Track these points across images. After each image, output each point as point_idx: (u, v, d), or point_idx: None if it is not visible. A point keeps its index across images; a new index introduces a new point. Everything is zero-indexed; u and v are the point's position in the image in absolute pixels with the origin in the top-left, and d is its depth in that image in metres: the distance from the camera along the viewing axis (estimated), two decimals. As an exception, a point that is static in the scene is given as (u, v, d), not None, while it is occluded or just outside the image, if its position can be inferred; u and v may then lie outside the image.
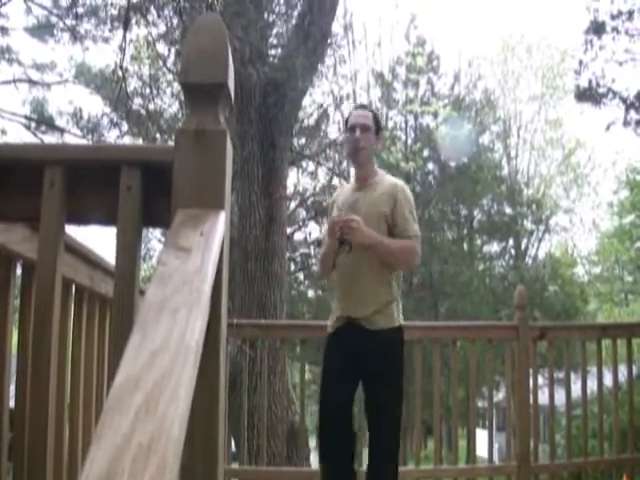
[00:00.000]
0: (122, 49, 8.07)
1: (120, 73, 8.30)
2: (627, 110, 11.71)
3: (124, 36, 8.03)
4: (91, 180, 1.35)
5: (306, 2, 7.41)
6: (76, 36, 10.69)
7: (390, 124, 21.72)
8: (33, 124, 13.83)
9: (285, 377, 4.66)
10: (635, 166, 25.66)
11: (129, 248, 1.30)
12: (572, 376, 4.44)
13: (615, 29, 11.64)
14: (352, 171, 3.47)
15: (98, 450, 0.69)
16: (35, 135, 13.34)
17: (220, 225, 1.20)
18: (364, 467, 3.10)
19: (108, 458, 0.67)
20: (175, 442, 0.72)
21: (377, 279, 2.97)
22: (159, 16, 8.13)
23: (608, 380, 4.47)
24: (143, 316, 0.93)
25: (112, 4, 9.05)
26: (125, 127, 12.31)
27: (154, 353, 0.84)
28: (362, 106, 3.51)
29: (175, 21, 7.87)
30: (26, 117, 13.80)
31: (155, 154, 1.40)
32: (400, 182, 3.15)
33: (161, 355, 0.83)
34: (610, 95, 11.77)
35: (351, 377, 2.98)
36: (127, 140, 12.25)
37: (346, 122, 3.22)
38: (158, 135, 10.78)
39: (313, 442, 8.37)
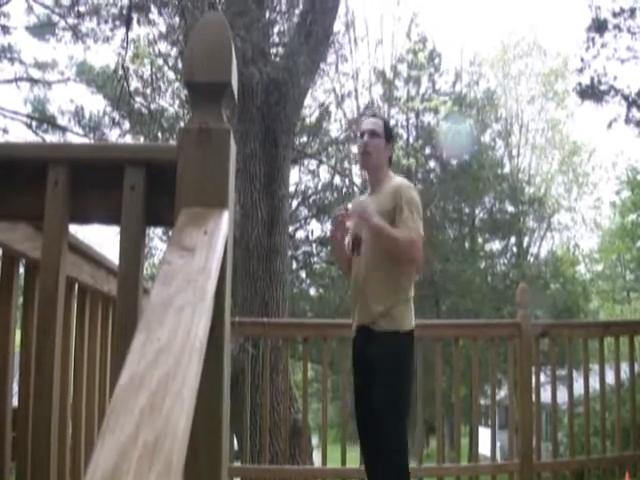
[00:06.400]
0: (124, 48, 8.07)
1: (122, 72, 8.30)
2: (629, 107, 11.71)
3: (126, 35, 8.04)
4: (95, 179, 1.35)
5: (308, 0, 7.40)
6: (77, 35, 10.68)
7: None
8: (35, 123, 13.83)
9: (287, 375, 4.65)
10: (635, 166, 25.66)
11: (133, 247, 1.30)
12: (574, 374, 4.44)
13: (617, 27, 11.64)
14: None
15: (103, 449, 0.69)
16: (37, 134, 13.36)
17: (224, 224, 1.20)
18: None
19: (114, 457, 0.67)
20: (180, 441, 0.72)
21: (387, 282, 2.95)
22: (161, 15, 8.13)
23: (610, 378, 4.47)
24: (147, 315, 0.93)
25: (114, 3, 9.05)
26: (127, 126, 12.32)
27: (158, 352, 0.84)
28: (373, 114, 3.59)
29: (177, 20, 7.87)
30: (28, 116, 13.81)
31: (159, 153, 1.40)
32: (405, 181, 3.16)
33: (165, 354, 0.84)
34: (612, 92, 11.77)
35: (368, 389, 2.92)
36: (129, 139, 12.25)
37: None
38: (160, 134, 10.78)
39: (315, 440, 8.37)
